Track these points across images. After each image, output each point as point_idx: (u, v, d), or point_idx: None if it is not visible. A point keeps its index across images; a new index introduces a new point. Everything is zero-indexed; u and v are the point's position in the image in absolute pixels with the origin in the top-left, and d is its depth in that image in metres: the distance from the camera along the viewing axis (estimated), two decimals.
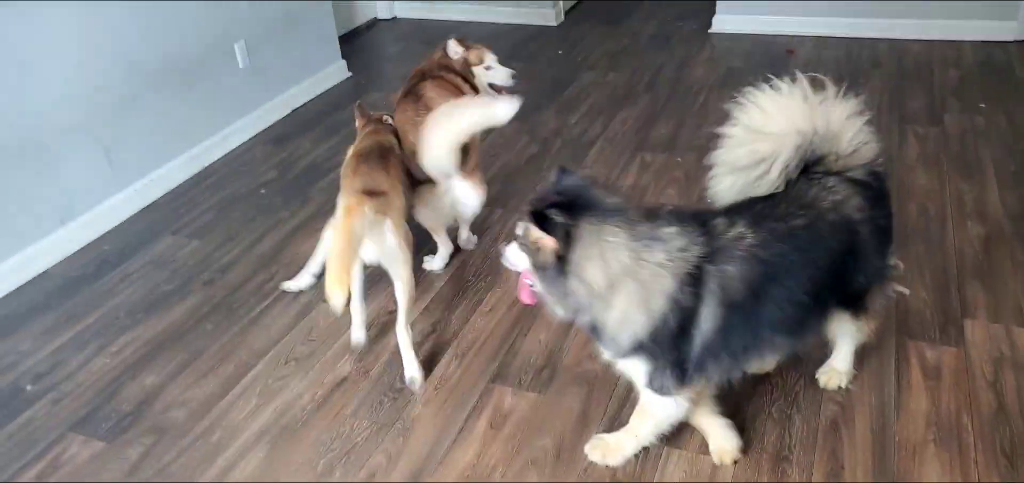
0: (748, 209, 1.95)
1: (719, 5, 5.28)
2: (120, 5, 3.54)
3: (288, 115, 4.56)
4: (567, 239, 1.77)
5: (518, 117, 4.21)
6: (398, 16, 6.18)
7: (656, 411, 2.08)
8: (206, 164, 4.05)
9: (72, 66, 3.37)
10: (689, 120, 4.12)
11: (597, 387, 2.45)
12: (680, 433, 2.21)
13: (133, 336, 2.89)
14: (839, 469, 2.13)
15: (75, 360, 2.79)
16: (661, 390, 2.00)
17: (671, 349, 1.89)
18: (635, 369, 1.99)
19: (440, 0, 6.00)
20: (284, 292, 3.03)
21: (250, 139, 4.30)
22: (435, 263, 3.11)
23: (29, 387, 2.68)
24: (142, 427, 2.47)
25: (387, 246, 2.47)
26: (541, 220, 1.79)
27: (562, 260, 1.79)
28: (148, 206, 3.75)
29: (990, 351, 2.46)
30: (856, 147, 2.02)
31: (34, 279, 3.27)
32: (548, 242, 1.79)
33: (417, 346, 2.68)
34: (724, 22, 5.29)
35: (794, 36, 5.05)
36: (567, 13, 5.94)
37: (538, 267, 1.86)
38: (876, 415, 2.27)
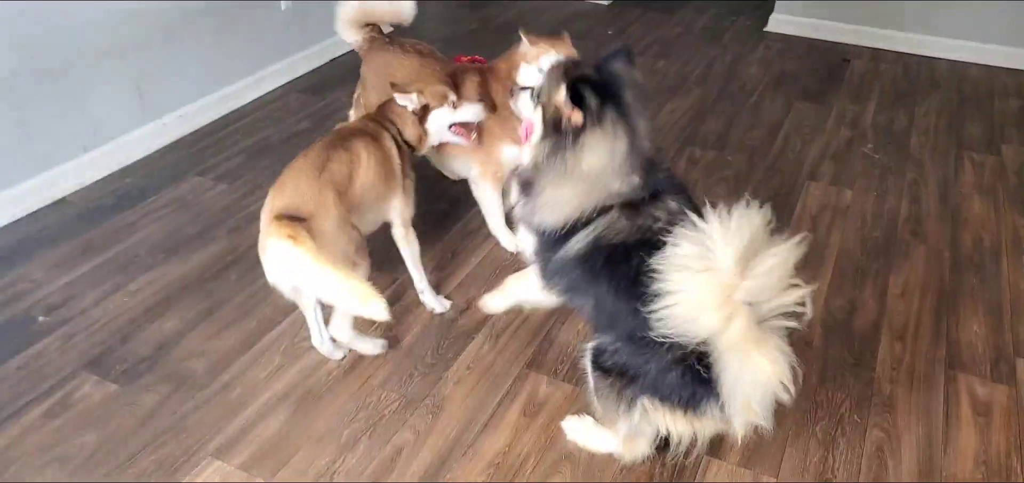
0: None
1: (777, 4, 5.10)
2: None
3: (326, 64, 4.42)
4: (593, 119, 1.83)
5: None
6: None
7: (527, 275, 2.23)
8: (238, 106, 3.91)
9: None
10: (740, 119, 3.95)
11: None
12: (721, 445, 2.09)
13: (153, 277, 2.76)
14: None
15: (90, 295, 2.66)
16: (541, 279, 2.12)
17: (548, 247, 2.00)
18: (526, 239, 2.13)
19: None
20: None
21: (285, 84, 4.15)
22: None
23: (42, 318, 2.55)
24: (159, 374, 2.35)
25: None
26: (576, 95, 1.82)
27: (576, 133, 1.85)
28: (175, 143, 3.62)
29: None
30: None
31: (52, 205, 3.14)
32: (577, 116, 1.83)
33: (452, 322, 2.57)
34: (781, 22, 5.11)
35: (852, 45, 4.87)
36: None
37: (549, 126, 1.92)
38: (923, 447, 2.16)
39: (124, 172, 3.38)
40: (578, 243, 1.94)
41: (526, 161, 2.05)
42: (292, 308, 2.62)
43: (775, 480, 2.05)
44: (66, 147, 3.20)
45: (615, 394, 1.95)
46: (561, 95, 1.85)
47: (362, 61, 3.06)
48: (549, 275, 2.08)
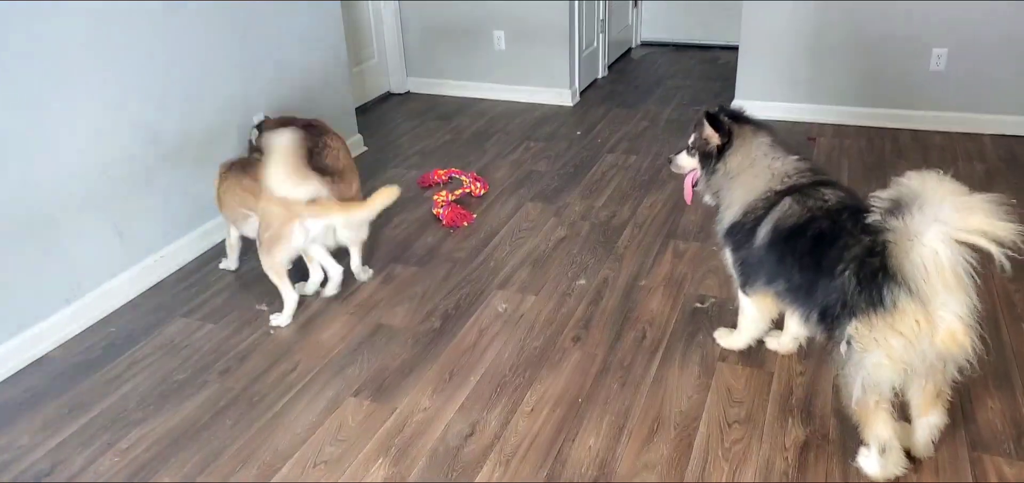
0: (851, 201, 2.29)
1: (738, 90, 5.25)
2: (143, 75, 3.41)
3: None
4: (729, 135, 2.55)
5: (544, 199, 4.17)
6: (411, 91, 6.10)
7: (743, 305, 2.77)
8: (218, 241, 3.87)
9: (88, 137, 3.21)
10: None
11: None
12: None
13: (144, 431, 2.67)
14: None
15: (80, 458, 2.56)
16: (741, 285, 2.68)
17: (741, 245, 2.53)
18: (727, 257, 2.66)
19: (453, 79, 5.94)
20: (306, 384, 2.84)
21: None
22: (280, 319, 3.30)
23: None
24: None
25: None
26: (713, 120, 2.56)
27: (720, 150, 2.55)
28: (157, 285, 3.55)
29: None
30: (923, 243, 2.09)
31: (35, 363, 3.04)
32: (715, 137, 2.56)
33: (457, 450, 2.50)
34: (743, 108, 5.24)
35: (814, 123, 5.01)
36: (582, 93, 5.89)
37: (703, 156, 2.63)
38: None
39: (107, 321, 3.30)
40: (762, 232, 2.42)
41: (708, 199, 2.69)
42: (292, 451, 2.54)
43: None
44: (48, 301, 3.12)
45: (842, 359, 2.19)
46: (706, 129, 2.57)
47: None
48: (749, 276, 2.58)
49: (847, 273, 2.11)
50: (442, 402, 2.72)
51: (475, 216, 4.01)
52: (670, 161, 2.87)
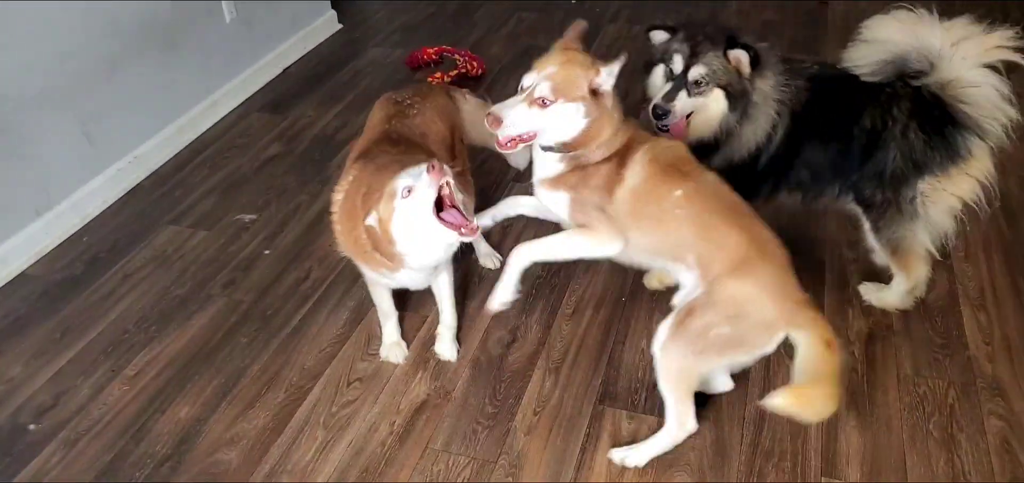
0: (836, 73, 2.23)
1: None
2: None
3: (279, 75, 4.02)
4: (756, 61, 2.16)
5: None
6: None
7: None
8: (195, 136, 3.52)
9: (41, 26, 2.80)
10: None
11: (725, 410, 2.14)
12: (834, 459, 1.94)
13: (150, 355, 2.42)
14: None
15: (84, 389, 2.31)
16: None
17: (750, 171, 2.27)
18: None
19: None
20: (322, 294, 2.61)
21: (242, 104, 3.76)
22: None
23: (32, 426, 2.20)
24: (189, 475, 2.04)
25: None
26: (745, 46, 2.14)
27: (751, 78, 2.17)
28: (134, 189, 3.22)
29: None
30: (964, 83, 2.04)
31: (11, 283, 2.74)
32: (746, 62, 2.14)
33: (501, 360, 2.33)
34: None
35: None
36: None
37: (730, 90, 2.17)
38: None
39: (85, 232, 2.98)
40: (778, 134, 2.23)
41: (707, 134, 2.24)
42: (320, 370, 2.33)
43: None
44: (16, 214, 2.79)
45: (902, 216, 2.19)
46: (735, 58, 2.13)
47: None
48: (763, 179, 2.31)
49: (911, 134, 2.09)
50: (477, 307, 2.52)
51: None
52: (661, 112, 2.18)
